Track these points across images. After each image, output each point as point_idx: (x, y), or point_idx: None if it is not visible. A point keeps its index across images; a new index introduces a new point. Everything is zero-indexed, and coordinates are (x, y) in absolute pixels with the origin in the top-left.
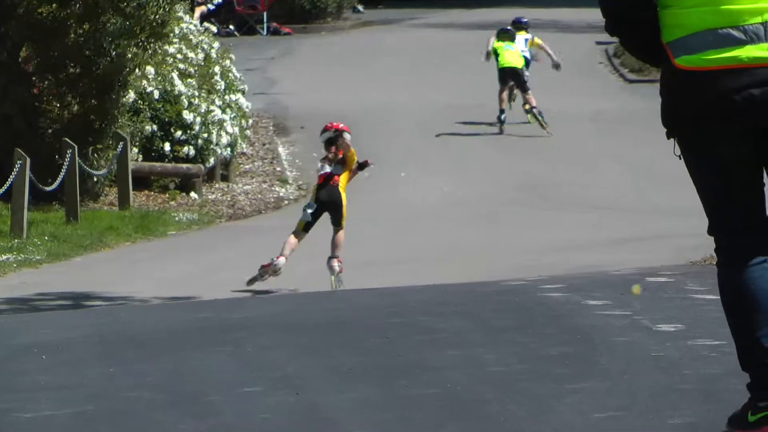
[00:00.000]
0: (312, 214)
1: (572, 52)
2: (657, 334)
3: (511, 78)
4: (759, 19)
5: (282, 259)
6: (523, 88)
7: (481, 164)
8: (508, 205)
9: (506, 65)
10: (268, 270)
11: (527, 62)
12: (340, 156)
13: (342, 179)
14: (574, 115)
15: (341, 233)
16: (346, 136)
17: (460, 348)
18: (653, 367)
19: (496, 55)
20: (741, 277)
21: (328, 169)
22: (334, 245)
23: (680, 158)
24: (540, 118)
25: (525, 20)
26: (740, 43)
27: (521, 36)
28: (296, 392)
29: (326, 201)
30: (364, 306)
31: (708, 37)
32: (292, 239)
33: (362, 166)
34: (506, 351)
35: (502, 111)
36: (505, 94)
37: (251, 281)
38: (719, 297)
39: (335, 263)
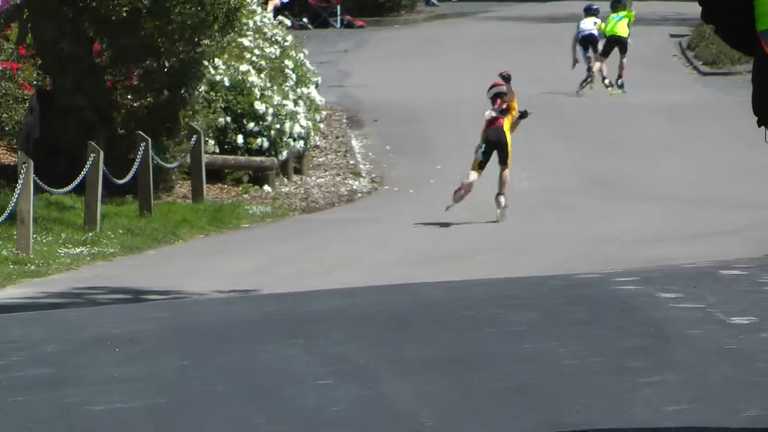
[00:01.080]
0: (483, 153)
1: (646, 45)
2: (731, 327)
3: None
4: None
5: (472, 178)
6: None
7: (551, 156)
8: (578, 196)
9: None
10: (461, 191)
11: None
12: (504, 106)
13: (506, 123)
14: (646, 108)
15: (507, 172)
16: (504, 89)
17: (532, 341)
18: (727, 360)
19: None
20: None
21: (494, 114)
22: (501, 183)
23: None
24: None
25: (595, 6)
26: None
27: (591, 19)
28: (368, 385)
29: (494, 141)
30: (434, 299)
31: None
32: (473, 174)
33: (523, 115)
34: (579, 344)
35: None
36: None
37: (449, 208)
38: None
39: (502, 198)
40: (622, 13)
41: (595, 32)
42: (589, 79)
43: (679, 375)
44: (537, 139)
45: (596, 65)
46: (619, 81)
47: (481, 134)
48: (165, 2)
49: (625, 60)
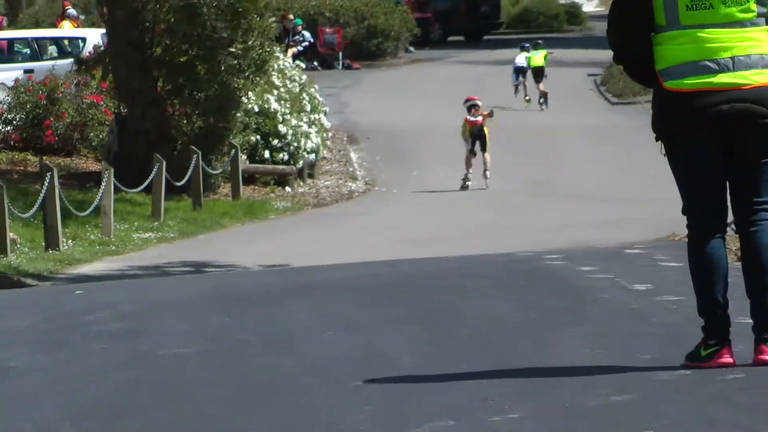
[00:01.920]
0: (471, 143)
1: (569, 82)
2: (632, 292)
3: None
4: (728, 54)
5: (470, 173)
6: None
7: (497, 164)
8: (519, 195)
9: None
10: (466, 180)
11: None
12: (482, 115)
13: (483, 117)
14: (569, 129)
15: (487, 155)
16: (479, 103)
17: (484, 301)
18: (629, 317)
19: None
20: (704, 248)
21: (473, 118)
22: (485, 162)
23: (665, 155)
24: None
25: (527, 45)
26: (713, 72)
27: (523, 54)
28: (361, 336)
29: (476, 134)
30: (412, 272)
31: (689, 67)
32: (469, 160)
33: (490, 114)
34: (519, 304)
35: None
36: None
37: (462, 188)
38: (682, 264)
39: (487, 173)
40: (540, 51)
41: (525, 64)
42: (541, 100)
43: (593, 328)
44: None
45: (540, 86)
46: (540, 99)
47: (467, 131)
48: (212, 52)
49: (541, 85)
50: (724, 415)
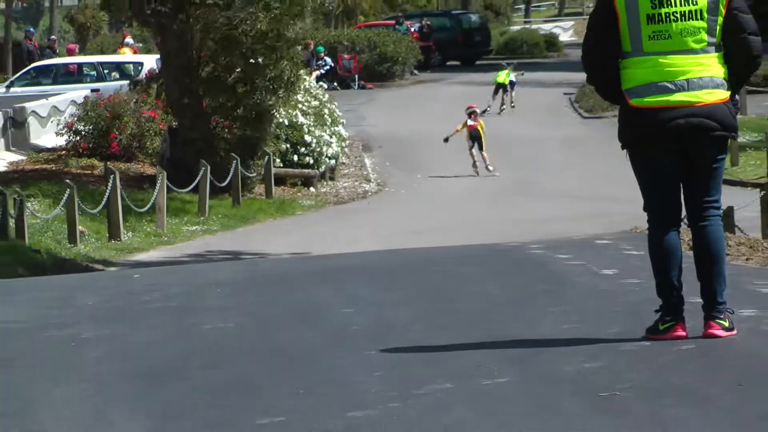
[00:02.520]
0: (471, 142)
1: (546, 100)
2: (601, 276)
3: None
4: (684, 77)
5: (474, 155)
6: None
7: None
8: (506, 194)
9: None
10: (474, 167)
11: (512, 84)
12: (478, 121)
13: (479, 125)
14: (548, 139)
15: (484, 152)
16: (477, 110)
17: (477, 284)
18: (599, 297)
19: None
20: (661, 240)
21: (472, 122)
22: (484, 158)
23: (629, 160)
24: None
25: (505, 63)
26: (671, 92)
27: (503, 72)
28: (375, 312)
29: (475, 136)
30: (416, 259)
31: (652, 88)
32: (474, 154)
33: (483, 112)
34: (506, 286)
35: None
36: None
37: (474, 174)
38: (644, 252)
39: (490, 167)
40: (506, 71)
41: (507, 83)
42: (503, 107)
43: (569, 306)
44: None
45: (506, 97)
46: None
47: (467, 133)
48: (250, 75)
49: (506, 96)
50: (678, 379)
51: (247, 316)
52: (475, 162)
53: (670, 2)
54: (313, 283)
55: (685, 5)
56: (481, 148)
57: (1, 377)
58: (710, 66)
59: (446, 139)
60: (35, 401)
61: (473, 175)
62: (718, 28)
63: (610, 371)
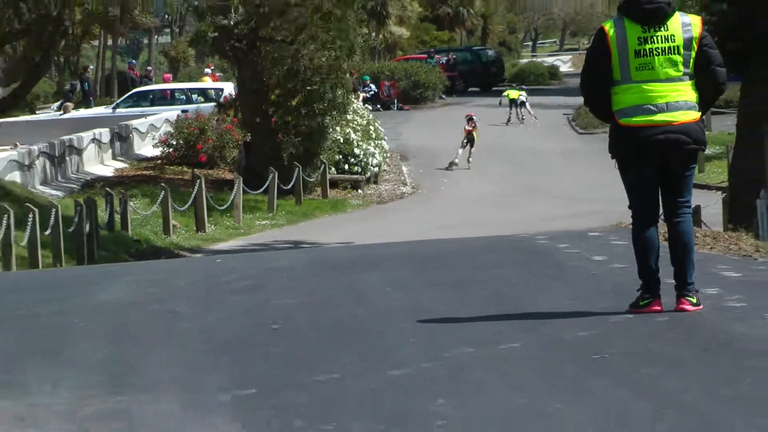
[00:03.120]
0: (463, 143)
1: (549, 119)
2: (594, 262)
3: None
4: (664, 101)
5: (459, 152)
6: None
7: (496, 174)
8: (515, 196)
9: (513, 97)
10: (452, 163)
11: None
12: (474, 128)
13: (474, 130)
14: (550, 150)
15: (473, 149)
16: (474, 117)
17: (494, 269)
18: (591, 279)
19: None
20: (642, 232)
21: (468, 128)
22: (470, 152)
23: (617, 168)
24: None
25: (514, 85)
26: (654, 113)
27: (515, 91)
28: (410, 293)
29: (470, 139)
30: (443, 248)
31: (637, 109)
32: (460, 151)
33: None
34: (518, 271)
35: (518, 116)
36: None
37: (450, 167)
38: (628, 242)
39: (470, 159)
40: (516, 90)
41: (517, 99)
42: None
43: (567, 286)
44: (488, 164)
45: (520, 111)
46: (530, 117)
47: (463, 133)
48: (309, 100)
49: (522, 109)
50: (655, 345)
51: (307, 295)
52: (455, 160)
53: (653, 40)
54: (360, 268)
55: (665, 42)
56: (471, 146)
57: (113, 343)
58: (685, 92)
59: (463, 145)
60: (140, 363)
61: (463, 167)
62: (691, 61)
63: (600, 338)
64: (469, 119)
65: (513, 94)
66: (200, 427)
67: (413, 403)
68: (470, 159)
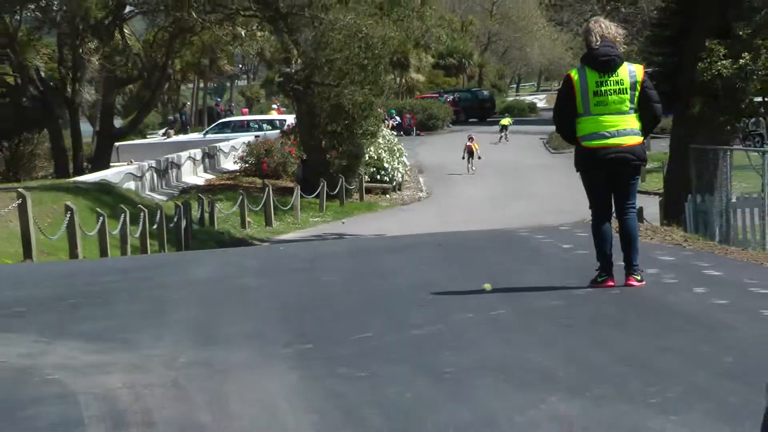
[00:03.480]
0: (463, 156)
1: (530, 143)
2: (563, 249)
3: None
4: (615, 128)
5: (469, 166)
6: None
7: (490, 183)
8: (503, 198)
9: (504, 123)
10: (468, 170)
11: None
12: (473, 143)
13: (474, 145)
14: (529, 165)
15: (474, 161)
16: (473, 136)
17: (487, 253)
18: (561, 261)
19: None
20: (600, 226)
21: (468, 143)
22: (472, 163)
23: (580, 179)
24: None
25: (505, 114)
26: (607, 137)
27: (506, 119)
28: (429, 272)
29: (470, 152)
30: (449, 238)
31: (594, 135)
32: (465, 162)
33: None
34: (504, 255)
35: (500, 138)
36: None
37: (469, 172)
38: (588, 234)
39: (473, 168)
40: (506, 117)
41: (507, 125)
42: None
43: (542, 267)
44: (485, 175)
45: (505, 133)
46: (500, 140)
47: (465, 149)
48: (350, 128)
49: (503, 133)
50: (609, 311)
51: (347, 273)
52: (468, 168)
53: (607, 83)
54: (387, 253)
55: (616, 85)
56: (471, 158)
57: (200, 309)
58: (631, 122)
59: (463, 157)
60: (221, 323)
61: (467, 173)
62: (636, 99)
63: (567, 307)
64: (470, 138)
65: (505, 121)
66: (268, 373)
67: (427, 355)
68: (473, 167)
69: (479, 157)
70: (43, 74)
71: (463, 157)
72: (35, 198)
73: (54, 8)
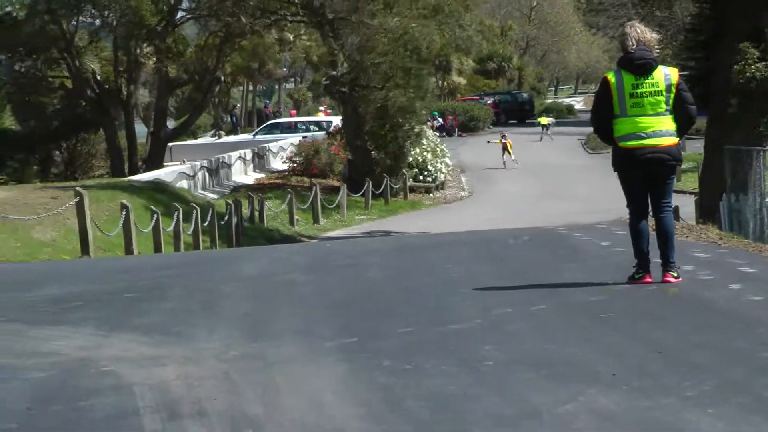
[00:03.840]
0: (502, 150)
1: (569, 143)
2: (601, 246)
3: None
4: (651, 129)
5: (504, 161)
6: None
7: (527, 181)
8: (542, 197)
9: (544, 123)
10: (504, 164)
11: (548, 126)
12: (507, 140)
13: (508, 143)
14: (568, 165)
15: (512, 156)
16: (507, 134)
17: (524, 250)
18: (599, 258)
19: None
20: (637, 224)
21: (504, 140)
22: (509, 158)
23: (618, 178)
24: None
25: (543, 113)
26: (644, 138)
27: (544, 118)
28: (457, 266)
29: (504, 147)
30: (490, 236)
31: (632, 136)
32: (504, 157)
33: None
34: (541, 252)
35: (541, 137)
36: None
37: (504, 167)
38: (626, 232)
39: (515, 161)
40: (544, 117)
41: (547, 124)
42: (545, 135)
43: (581, 264)
44: (522, 174)
45: (546, 131)
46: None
47: (500, 145)
48: (395, 130)
49: (544, 131)
50: (646, 307)
51: (391, 269)
52: (504, 162)
53: (643, 86)
54: (430, 249)
55: (651, 88)
56: (509, 153)
57: (250, 303)
58: (666, 123)
59: (489, 141)
60: (270, 318)
61: (503, 168)
62: (671, 100)
63: (606, 302)
64: (503, 136)
65: (543, 120)
66: (316, 367)
67: (468, 348)
68: (515, 160)
69: (514, 160)
70: (99, 77)
71: (503, 154)
72: (92, 196)
73: (110, 14)
